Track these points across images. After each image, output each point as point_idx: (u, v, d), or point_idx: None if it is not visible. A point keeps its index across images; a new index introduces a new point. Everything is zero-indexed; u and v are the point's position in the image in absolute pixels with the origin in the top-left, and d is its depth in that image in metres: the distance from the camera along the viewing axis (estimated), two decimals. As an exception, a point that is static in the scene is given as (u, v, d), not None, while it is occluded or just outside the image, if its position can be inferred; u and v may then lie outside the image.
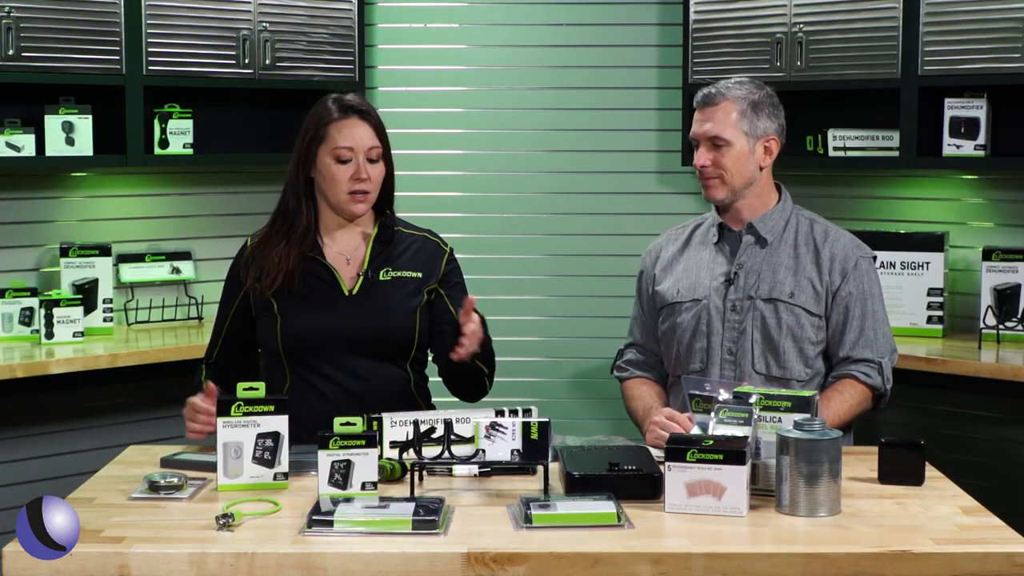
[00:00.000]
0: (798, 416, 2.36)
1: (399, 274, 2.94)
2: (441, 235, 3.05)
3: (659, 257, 3.15)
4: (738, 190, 2.99)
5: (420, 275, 2.95)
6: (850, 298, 2.97)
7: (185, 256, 4.42)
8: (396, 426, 2.61)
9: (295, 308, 2.88)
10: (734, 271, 3.01)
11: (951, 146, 4.05)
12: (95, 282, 4.17)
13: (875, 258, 3.08)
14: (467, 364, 2.82)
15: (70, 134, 4.03)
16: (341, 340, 2.88)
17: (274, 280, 2.87)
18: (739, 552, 2.13)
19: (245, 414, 2.46)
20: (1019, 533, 2.23)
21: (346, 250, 2.95)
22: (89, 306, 4.12)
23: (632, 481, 2.38)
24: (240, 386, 2.49)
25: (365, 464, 2.36)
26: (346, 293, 2.90)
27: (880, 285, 3.04)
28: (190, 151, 4.27)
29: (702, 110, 2.99)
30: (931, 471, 2.60)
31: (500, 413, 2.59)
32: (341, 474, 2.36)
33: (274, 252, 2.90)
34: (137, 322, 4.31)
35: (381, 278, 2.92)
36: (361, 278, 2.91)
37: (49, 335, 3.93)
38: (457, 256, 3.03)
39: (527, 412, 2.63)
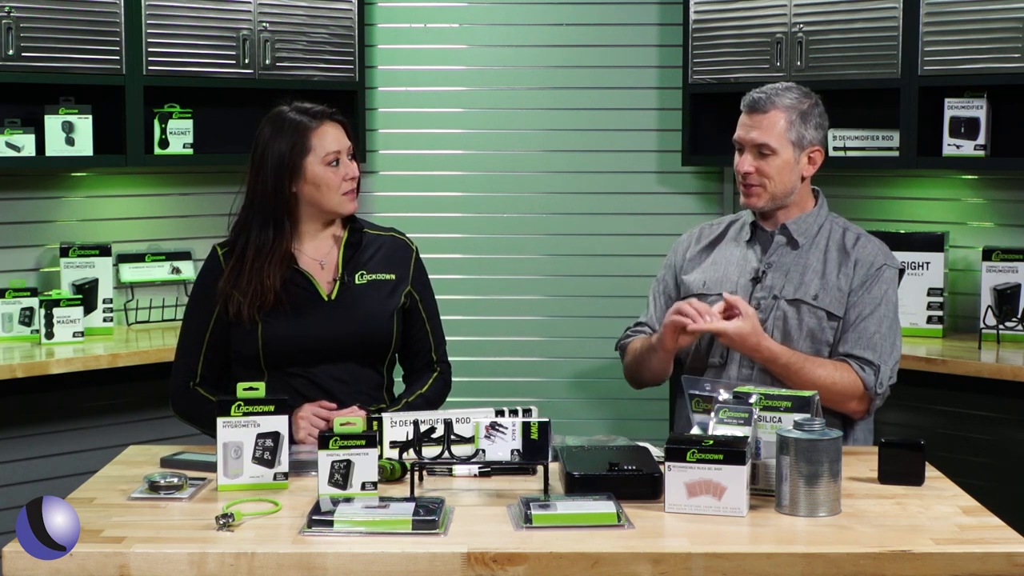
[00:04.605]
0: (798, 416, 2.36)
1: (373, 277, 2.96)
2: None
3: (689, 248, 3.14)
4: (779, 198, 2.97)
5: (393, 277, 2.98)
6: (864, 300, 2.93)
7: (185, 256, 4.42)
8: (396, 426, 2.61)
9: (276, 315, 2.88)
10: (762, 269, 3.00)
11: (951, 146, 4.05)
12: (95, 282, 4.16)
13: (902, 271, 3.06)
14: None
15: (70, 134, 4.02)
16: (323, 345, 2.89)
17: (264, 302, 2.85)
18: (739, 552, 2.12)
19: (245, 414, 2.46)
20: (1019, 533, 2.23)
21: (318, 255, 2.95)
22: (89, 306, 4.12)
23: (632, 481, 2.38)
24: (240, 386, 2.49)
25: (365, 464, 2.36)
26: (325, 298, 2.91)
27: (898, 297, 3.00)
28: (190, 151, 4.27)
29: (750, 115, 2.96)
30: (931, 471, 2.59)
31: (500, 413, 2.59)
32: (341, 474, 2.36)
33: (255, 278, 2.86)
34: (137, 322, 4.31)
35: (357, 282, 2.94)
36: (338, 283, 2.92)
37: (49, 335, 3.93)
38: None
39: (527, 412, 2.63)
